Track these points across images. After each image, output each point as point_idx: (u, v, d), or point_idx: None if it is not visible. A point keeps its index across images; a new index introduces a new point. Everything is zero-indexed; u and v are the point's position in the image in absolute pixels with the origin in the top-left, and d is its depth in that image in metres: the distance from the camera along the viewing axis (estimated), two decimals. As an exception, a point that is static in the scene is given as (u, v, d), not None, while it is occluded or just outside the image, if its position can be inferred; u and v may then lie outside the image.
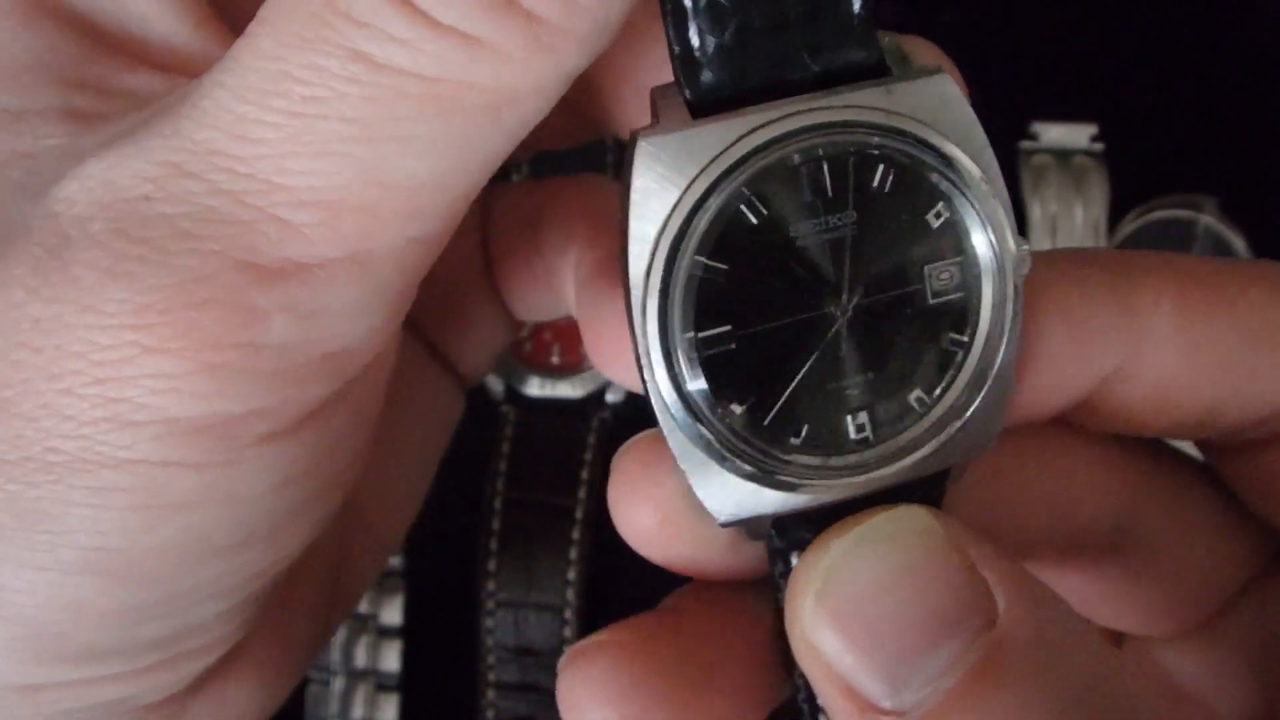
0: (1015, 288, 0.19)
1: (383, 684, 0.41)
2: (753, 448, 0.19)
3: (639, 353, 0.18)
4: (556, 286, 0.29)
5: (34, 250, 0.19)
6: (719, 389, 0.18)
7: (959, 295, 0.19)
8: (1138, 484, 0.23)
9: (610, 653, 0.21)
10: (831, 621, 0.18)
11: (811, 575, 0.18)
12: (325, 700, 0.41)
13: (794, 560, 0.19)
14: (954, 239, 0.18)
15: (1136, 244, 0.41)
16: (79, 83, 0.22)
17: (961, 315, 0.19)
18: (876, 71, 0.18)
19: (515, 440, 0.41)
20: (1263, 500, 0.22)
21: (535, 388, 0.42)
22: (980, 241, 0.18)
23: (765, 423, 0.19)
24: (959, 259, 0.18)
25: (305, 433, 0.21)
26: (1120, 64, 0.42)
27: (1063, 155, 0.40)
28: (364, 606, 0.41)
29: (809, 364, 0.18)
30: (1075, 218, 0.40)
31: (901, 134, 0.18)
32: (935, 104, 0.18)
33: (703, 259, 0.18)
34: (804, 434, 0.19)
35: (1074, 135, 0.40)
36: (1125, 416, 0.21)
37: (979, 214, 0.18)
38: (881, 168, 0.18)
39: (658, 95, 0.19)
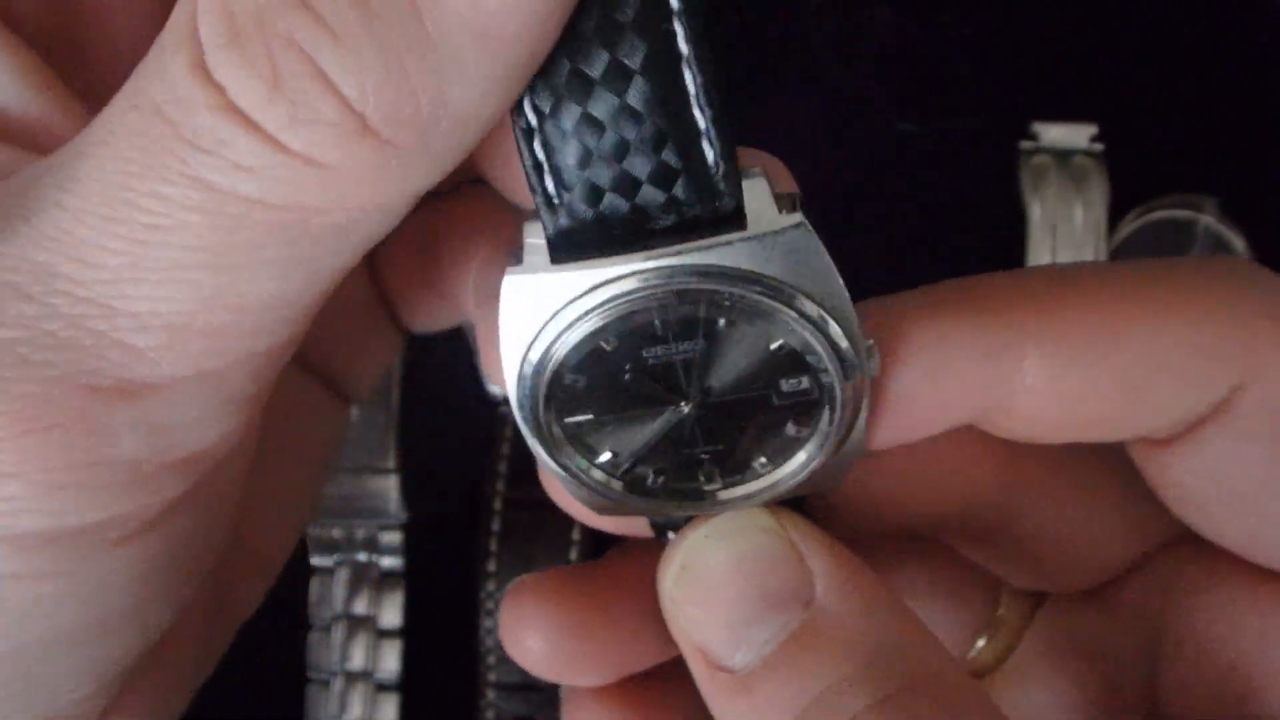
0: (858, 391, 0.21)
1: (382, 684, 0.41)
2: (617, 490, 0.22)
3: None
4: (454, 300, 0.29)
5: None
6: (581, 451, 0.21)
7: (803, 398, 0.21)
8: (1022, 464, 0.25)
9: (545, 588, 0.25)
10: (687, 596, 0.22)
11: (673, 558, 0.22)
12: (324, 701, 0.41)
13: (668, 534, 0.23)
14: (799, 362, 0.20)
15: (1136, 244, 0.41)
16: None
17: (803, 413, 0.21)
18: (734, 217, 0.19)
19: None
20: (1173, 497, 0.24)
21: (535, 388, 0.42)
22: (824, 365, 0.20)
23: (619, 475, 0.22)
24: (803, 374, 0.20)
25: (161, 529, 0.21)
26: (1120, 64, 0.42)
27: (1063, 155, 0.40)
28: (363, 607, 0.41)
29: (658, 437, 0.21)
30: (1075, 218, 0.40)
31: (753, 283, 0.19)
32: (791, 256, 0.19)
33: (562, 374, 0.20)
34: (660, 484, 0.22)
35: (1074, 135, 0.40)
36: (1007, 435, 0.23)
37: (821, 347, 0.20)
38: (731, 311, 0.19)
39: (524, 228, 0.20)
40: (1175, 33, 0.42)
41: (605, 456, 0.21)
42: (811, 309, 0.19)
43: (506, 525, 0.40)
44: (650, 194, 0.19)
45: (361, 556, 0.41)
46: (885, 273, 0.42)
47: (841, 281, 0.20)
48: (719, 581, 0.22)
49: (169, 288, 0.18)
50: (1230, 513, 0.23)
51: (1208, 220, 0.41)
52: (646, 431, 0.21)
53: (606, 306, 0.19)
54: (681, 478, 0.22)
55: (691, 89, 0.18)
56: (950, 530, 0.27)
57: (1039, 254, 0.40)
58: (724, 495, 0.22)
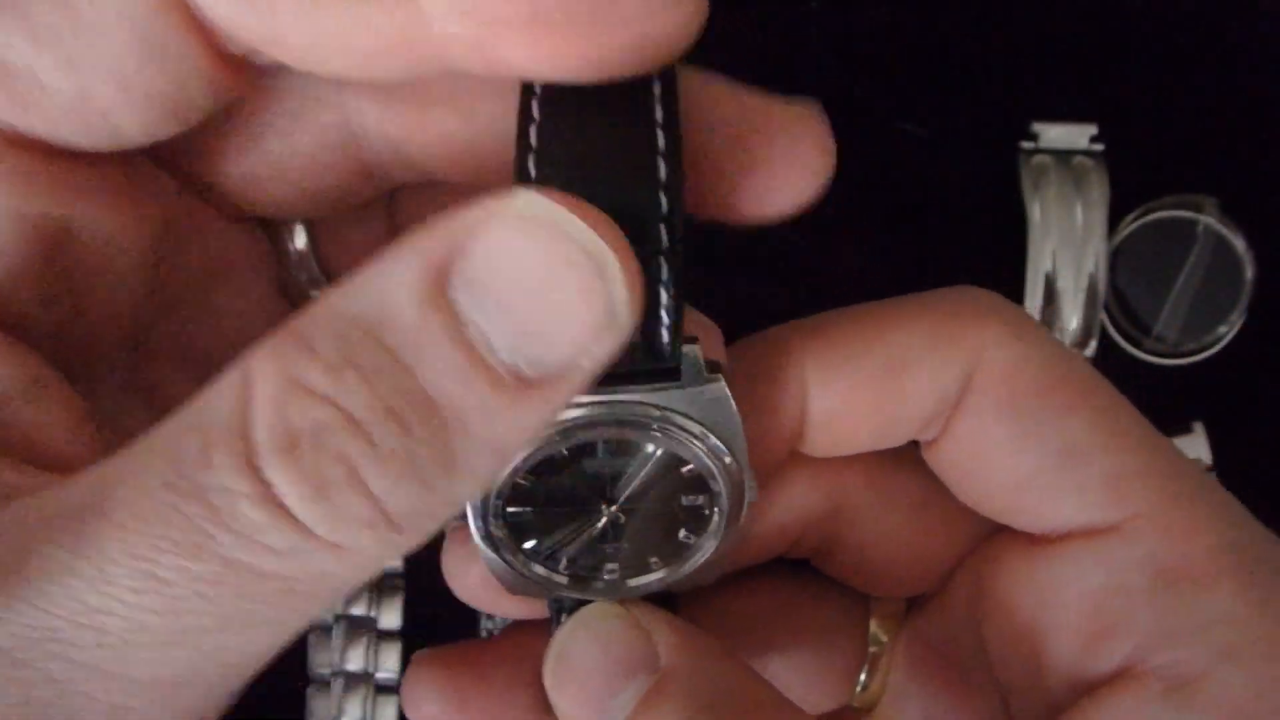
0: (739, 513, 0.26)
1: (382, 686, 0.41)
2: (534, 571, 0.26)
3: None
4: None
5: None
6: (513, 536, 0.26)
7: (699, 512, 0.26)
8: (846, 482, 0.30)
9: (442, 661, 0.29)
10: (561, 681, 0.26)
11: (551, 650, 0.26)
12: (324, 702, 0.41)
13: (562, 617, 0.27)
14: (701, 484, 0.26)
15: (1137, 244, 0.41)
16: None
17: (697, 525, 0.26)
18: (672, 374, 0.24)
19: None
20: (955, 486, 0.28)
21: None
22: (718, 490, 0.26)
23: (539, 559, 0.26)
24: (702, 494, 0.26)
25: None
26: (1120, 64, 0.42)
27: (1063, 156, 0.40)
28: (363, 609, 0.41)
29: (578, 533, 0.26)
30: (1076, 218, 0.40)
31: (679, 421, 0.25)
32: (706, 402, 0.25)
33: (518, 473, 0.25)
34: (571, 568, 0.26)
35: (1074, 135, 0.40)
36: (816, 453, 0.28)
37: (720, 476, 0.25)
38: (655, 439, 0.25)
39: None
40: (1175, 33, 0.42)
41: (530, 544, 0.26)
42: (717, 445, 0.25)
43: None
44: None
45: (361, 558, 0.41)
46: (886, 274, 0.42)
47: (742, 429, 0.25)
48: (584, 665, 0.26)
49: (173, 651, 0.19)
50: (992, 488, 0.27)
51: (1208, 220, 0.41)
52: (570, 527, 0.26)
53: (568, 425, 0.24)
54: (588, 567, 0.26)
55: (664, 275, 0.23)
56: (803, 549, 0.31)
57: (1040, 254, 0.39)
58: (617, 588, 0.27)
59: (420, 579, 0.42)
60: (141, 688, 0.19)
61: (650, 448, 0.25)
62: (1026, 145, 0.41)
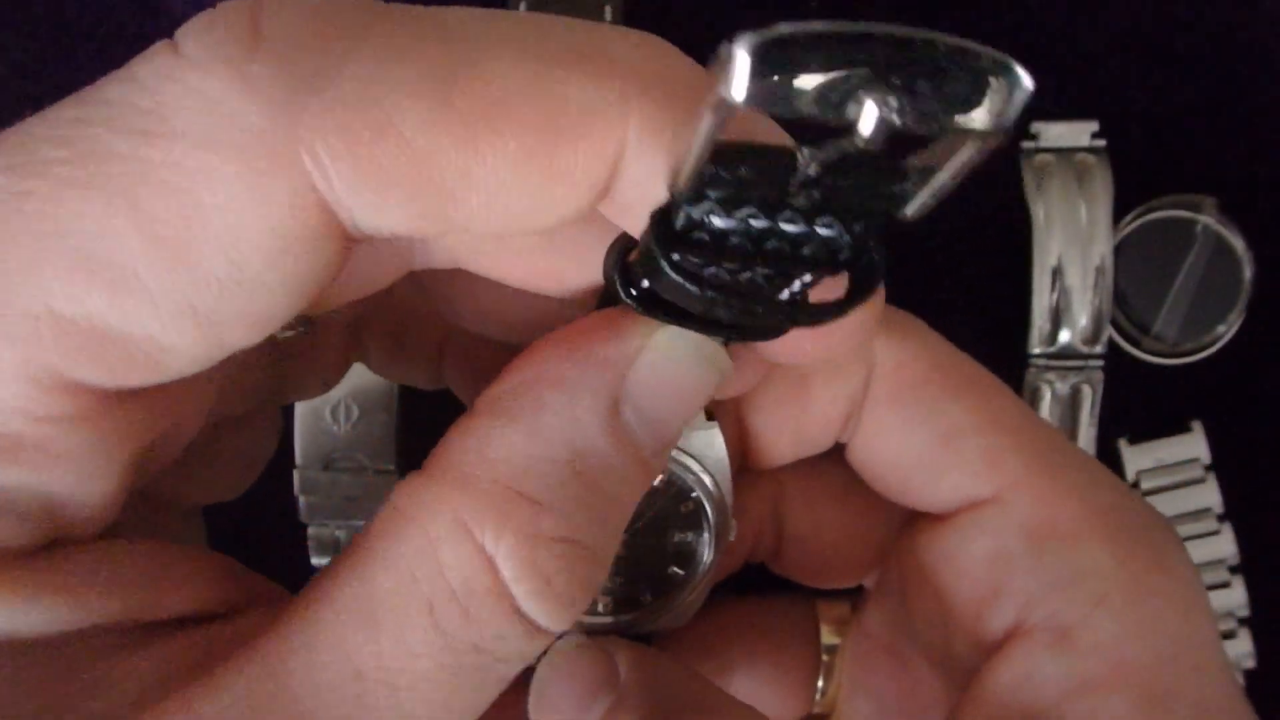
0: (720, 550, 0.29)
1: (382, 685, 0.41)
2: None
3: None
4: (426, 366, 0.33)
5: None
6: None
7: (687, 548, 0.29)
8: (783, 484, 0.34)
9: None
10: (538, 713, 0.28)
11: (533, 688, 0.28)
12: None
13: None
14: (694, 521, 0.29)
15: (1136, 244, 0.41)
16: None
17: (686, 561, 0.29)
18: None
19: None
20: (869, 480, 0.31)
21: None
22: (707, 527, 0.29)
23: None
24: (693, 530, 0.29)
25: None
26: (1120, 64, 0.42)
27: (1064, 153, 0.40)
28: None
29: None
30: (1080, 215, 0.40)
31: (676, 462, 0.28)
32: (703, 445, 0.29)
33: None
34: None
35: (1075, 133, 0.40)
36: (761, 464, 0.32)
37: (712, 513, 0.29)
38: (661, 477, 0.29)
39: None
40: (1175, 32, 0.42)
41: None
42: (710, 483, 0.29)
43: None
44: None
45: (362, 556, 0.41)
46: (889, 276, 0.42)
47: (730, 472, 0.29)
48: (558, 694, 0.28)
49: None
50: (891, 473, 0.30)
51: (1207, 220, 0.41)
52: None
53: None
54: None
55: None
56: (759, 553, 0.35)
57: (1046, 252, 0.40)
58: (607, 621, 0.30)
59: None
60: None
61: (656, 480, 0.28)
62: (1027, 145, 0.41)
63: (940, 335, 0.31)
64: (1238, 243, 0.41)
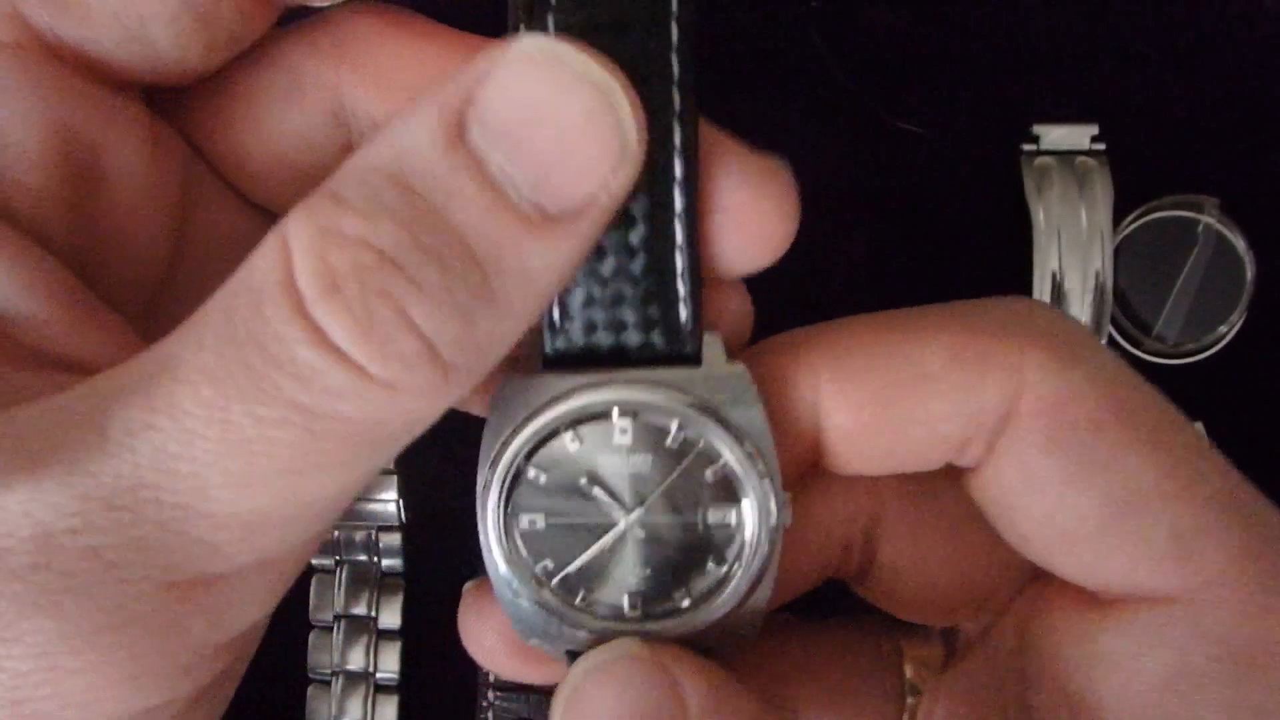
0: (772, 538, 0.24)
1: (382, 685, 0.41)
2: (549, 600, 0.24)
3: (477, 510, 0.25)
4: None
5: None
6: (527, 554, 0.24)
7: (726, 533, 0.24)
8: (884, 498, 0.27)
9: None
10: None
11: (562, 690, 0.24)
12: (325, 701, 0.41)
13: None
14: (727, 490, 0.24)
15: (1137, 245, 0.41)
16: None
17: (724, 549, 0.24)
18: (693, 359, 0.24)
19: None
20: (997, 522, 0.25)
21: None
22: (746, 499, 0.24)
23: (554, 585, 0.24)
24: (730, 506, 0.24)
25: (206, 698, 0.23)
26: (1120, 64, 0.42)
27: (1065, 157, 0.40)
28: (363, 608, 0.41)
29: (595, 551, 0.24)
30: (1080, 219, 0.40)
31: (702, 407, 0.23)
32: (728, 392, 0.24)
33: (527, 467, 0.24)
34: (588, 600, 0.24)
35: (1075, 136, 0.40)
36: (840, 470, 0.26)
37: (746, 478, 0.24)
38: (675, 429, 0.24)
39: (526, 346, 0.24)
40: (1175, 32, 0.42)
41: (545, 564, 0.24)
42: (745, 442, 0.24)
43: (506, 526, 0.40)
44: (633, 336, 0.24)
45: (361, 558, 0.41)
46: (892, 277, 0.42)
47: (769, 428, 0.24)
48: (599, 713, 0.23)
49: (251, 492, 0.20)
50: (1036, 531, 0.24)
51: (1209, 220, 0.41)
52: (586, 544, 0.24)
53: (579, 407, 0.24)
54: (607, 604, 0.25)
55: (679, 266, 0.23)
56: (843, 570, 0.29)
57: (1045, 257, 0.39)
58: (643, 627, 0.25)
59: (420, 579, 0.42)
60: (224, 526, 0.20)
61: (670, 441, 0.24)
62: (1028, 148, 0.41)
63: (1122, 361, 0.24)
64: (1239, 242, 0.41)
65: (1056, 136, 0.40)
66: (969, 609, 0.28)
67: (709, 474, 0.24)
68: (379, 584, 0.41)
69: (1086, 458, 0.23)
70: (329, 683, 0.41)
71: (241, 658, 0.24)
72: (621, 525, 0.24)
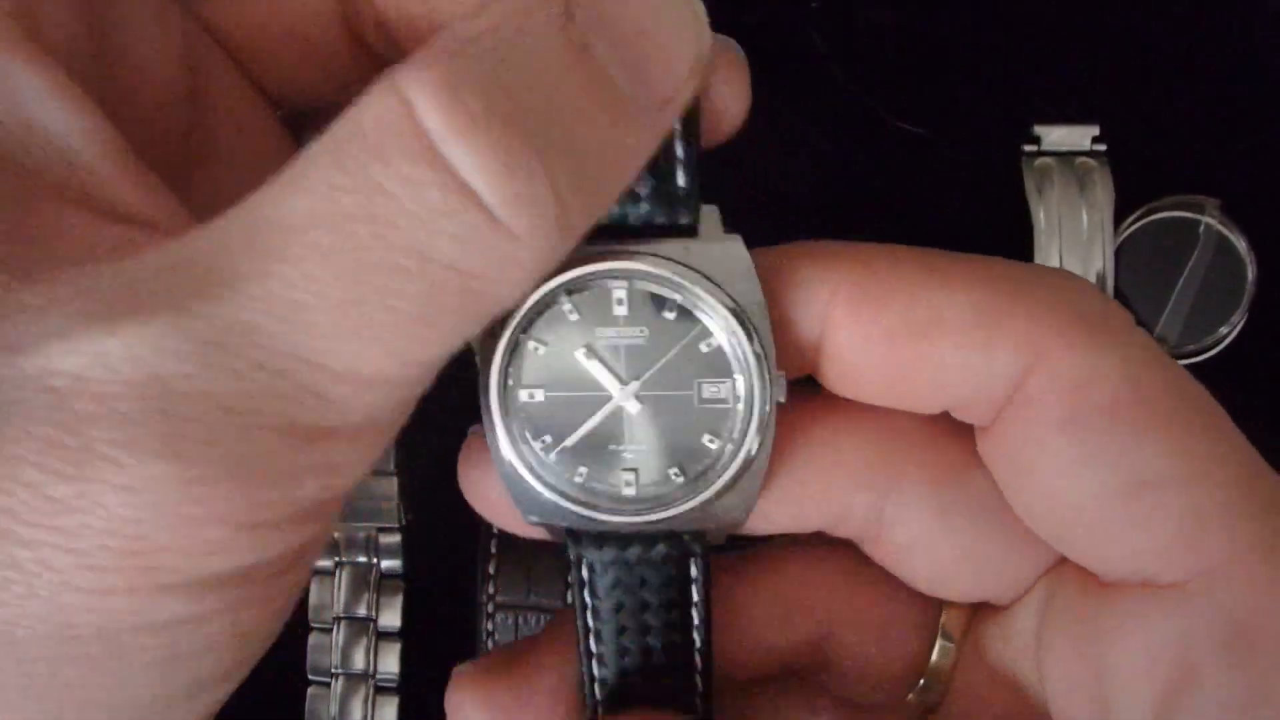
0: (764, 415, 0.24)
1: (382, 686, 0.41)
2: (548, 475, 0.25)
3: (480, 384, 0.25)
4: None
5: (38, 430, 0.19)
6: (527, 428, 0.24)
7: (720, 408, 0.24)
8: (904, 470, 0.26)
9: (481, 677, 0.27)
10: None
11: None
12: (325, 702, 0.41)
13: (584, 570, 0.26)
14: (721, 364, 0.24)
15: (1138, 245, 0.41)
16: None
17: (719, 425, 0.24)
18: (690, 230, 0.24)
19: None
20: (1005, 489, 0.25)
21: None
22: (739, 374, 0.24)
23: (552, 460, 0.24)
24: (723, 380, 0.24)
25: (298, 565, 0.23)
26: (1120, 64, 0.42)
27: (1066, 158, 0.40)
28: (363, 609, 0.41)
29: (592, 425, 0.24)
30: (1080, 220, 0.40)
31: (696, 275, 0.23)
32: (724, 262, 0.24)
33: (527, 339, 0.24)
34: (585, 475, 0.25)
35: (1076, 137, 0.40)
36: (836, 390, 0.26)
37: (738, 352, 0.24)
38: (669, 302, 0.24)
39: None
40: (1175, 33, 0.42)
41: (545, 438, 0.24)
42: (739, 313, 0.23)
43: (506, 526, 0.40)
44: (632, 208, 0.24)
45: (361, 558, 0.41)
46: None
47: (764, 303, 0.24)
48: None
49: (365, 344, 0.20)
50: (1046, 508, 0.24)
51: (1210, 220, 0.41)
52: (583, 418, 0.24)
53: (575, 276, 0.23)
54: (603, 476, 0.25)
55: (677, 129, 0.23)
56: (847, 531, 0.27)
57: (1046, 257, 0.39)
58: (640, 518, 0.25)
59: (420, 579, 0.42)
60: (340, 379, 0.20)
61: (666, 312, 0.24)
62: (1029, 148, 0.41)
63: (1153, 344, 0.24)
64: (1240, 243, 0.41)
65: (1057, 137, 0.40)
66: (995, 589, 0.27)
67: (703, 347, 0.24)
68: (379, 584, 0.41)
69: (1101, 440, 0.22)
70: (329, 684, 0.41)
71: (321, 535, 0.23)
72: (617, 398, 0.24)
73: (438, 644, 0.41)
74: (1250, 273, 0.41)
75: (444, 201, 0.19)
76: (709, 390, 0.24)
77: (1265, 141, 0.42)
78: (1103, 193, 0.40)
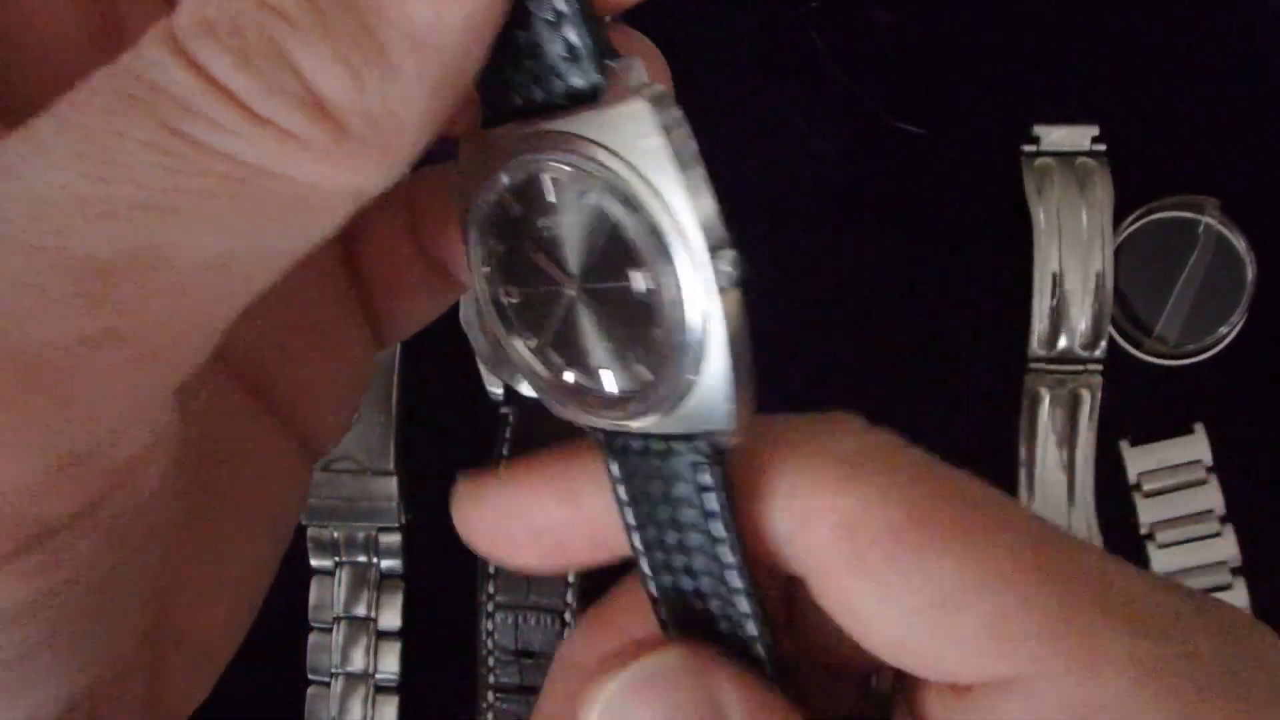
0: (703, 302, 0.21)
1: (382, 686, 0.41)
2: (540, 383, 0.23)
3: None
4: (451, 266, 0.28)
5: None
6: (510, 329, 0.23)
7: (655, 296, 0.21)
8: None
9: (483, 484, 0.25)
10: None
11: (592, 706, 0.23)
12: (324, 702, 0.41)
13: (613, 465, 0.23)
14: (647, 247, 0.21)
15: (1138, 246, 0.41)
16: None
17: (660, 312, 0.21)
18: (592, 96, 0.21)
19: (515, 441, 0.41)
20: (842, 624, 0.24)
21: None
22: (661, 258, 0.21)
23: (542, 360, 0.23)
24: (652, 265, 0.21)
25: (74, 558, 0.20)
26: (1120, 64, 0.42)
27: (1065, 157, 0.40)
28: (363, 609, 0.41)
29: (559, 323, 0.22)
30: (1080, 220, 0.40)
31: (583, 157, 0.21)
32: (622, 129, 0.20)
33: (488, 238, 0.23)
34: (573, 379, 0.23)
35: (1076, 137, 0.40)
36: None
37: (654, 233, 0.20)
38: (581, 183, 0.21)
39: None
40: (1175, 32, 0.42)
41: (529, 341, 0.23)
42: (646, 193, 0.20)
43: (506, 526, 0.40)
44: (546, 83, 0.21)
45: (361, 558, 0.41)
46: (888, 277, 0.42)
47: (679, 175, 0.20)
48: None
49: (112, 226, 0.18)
50: (871, 642, 0.23)
51: (1209, 221, 0.41)
52: (549, 315, 0.22)
53: (508, 165, 0.22)
54: (586, 374, 0.23)
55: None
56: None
57: (1046, 257, 0.39)
58: (629, 422, 0.22)
59: (420, 579, 0.42)
60: (74, 271, 0.18)
61: (584, 196, 0.21)
62: (1028, 148, 0.41)
63: (925, 460, 0.24)
64: (1240, 243, 0.41)
65: (1057, 137, 0.40)
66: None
67: (626, 232, 0.21)
68: (379, 584, 0.41)
69: (888, 571, 0.22)
70: (329, 684, 0.41)
71: (124, 531, 0.21)
72: (569, 293, 0.22)
73: (438, 644, 0.41)
74: (1250, 273, 0.41)
75: (200, 89, 0.19)
76: (637, 280, 0.21)
77: (1265, 141, 0.42)
78: (1102, 193, 0.40)
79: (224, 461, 0.26)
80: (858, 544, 0.22)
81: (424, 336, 0.33)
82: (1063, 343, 0.40)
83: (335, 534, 0.41)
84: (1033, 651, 0.22)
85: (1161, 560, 0.41)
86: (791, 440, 0.23)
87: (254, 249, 0.20)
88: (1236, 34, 0.42)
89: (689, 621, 0.24)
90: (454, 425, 0.42)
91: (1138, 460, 0.42)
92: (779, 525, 0.23)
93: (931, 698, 0.24)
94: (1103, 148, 0.40)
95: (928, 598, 0.22)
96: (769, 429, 0.24)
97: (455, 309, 0.38)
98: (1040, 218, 0.40)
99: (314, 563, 0.41)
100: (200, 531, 0.25)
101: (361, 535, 0.41)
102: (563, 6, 0.20)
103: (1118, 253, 0.40)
